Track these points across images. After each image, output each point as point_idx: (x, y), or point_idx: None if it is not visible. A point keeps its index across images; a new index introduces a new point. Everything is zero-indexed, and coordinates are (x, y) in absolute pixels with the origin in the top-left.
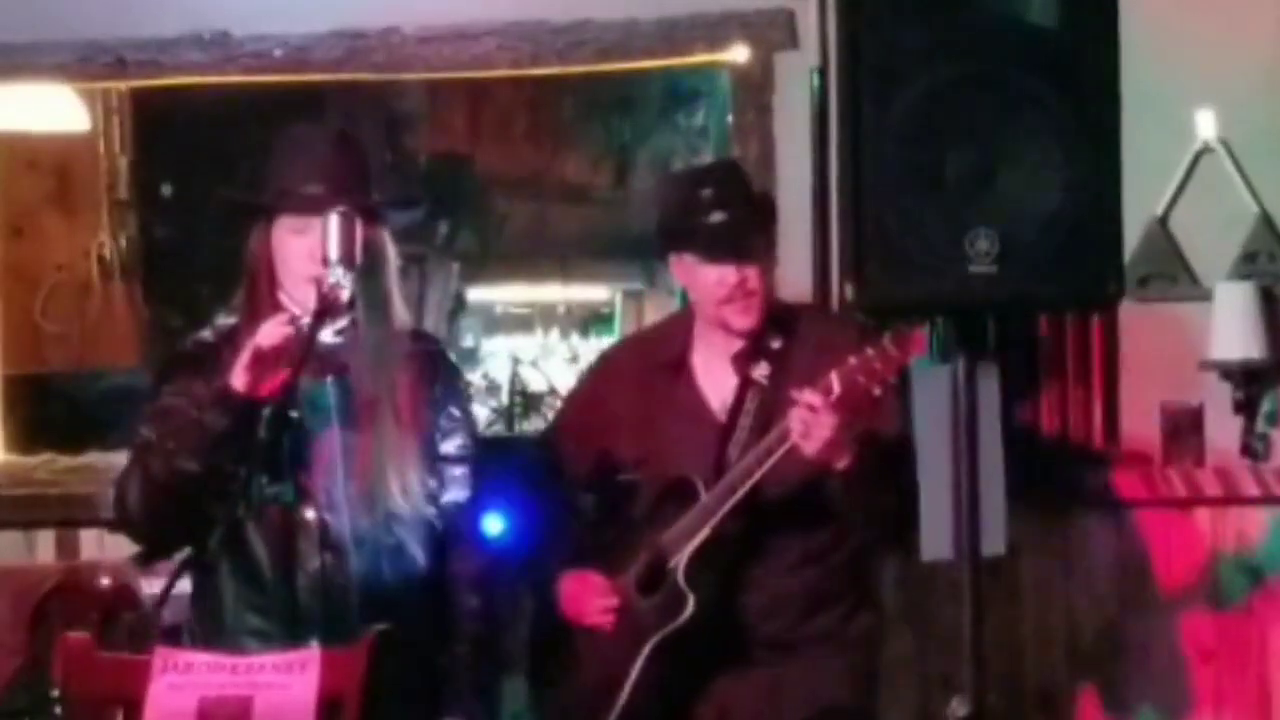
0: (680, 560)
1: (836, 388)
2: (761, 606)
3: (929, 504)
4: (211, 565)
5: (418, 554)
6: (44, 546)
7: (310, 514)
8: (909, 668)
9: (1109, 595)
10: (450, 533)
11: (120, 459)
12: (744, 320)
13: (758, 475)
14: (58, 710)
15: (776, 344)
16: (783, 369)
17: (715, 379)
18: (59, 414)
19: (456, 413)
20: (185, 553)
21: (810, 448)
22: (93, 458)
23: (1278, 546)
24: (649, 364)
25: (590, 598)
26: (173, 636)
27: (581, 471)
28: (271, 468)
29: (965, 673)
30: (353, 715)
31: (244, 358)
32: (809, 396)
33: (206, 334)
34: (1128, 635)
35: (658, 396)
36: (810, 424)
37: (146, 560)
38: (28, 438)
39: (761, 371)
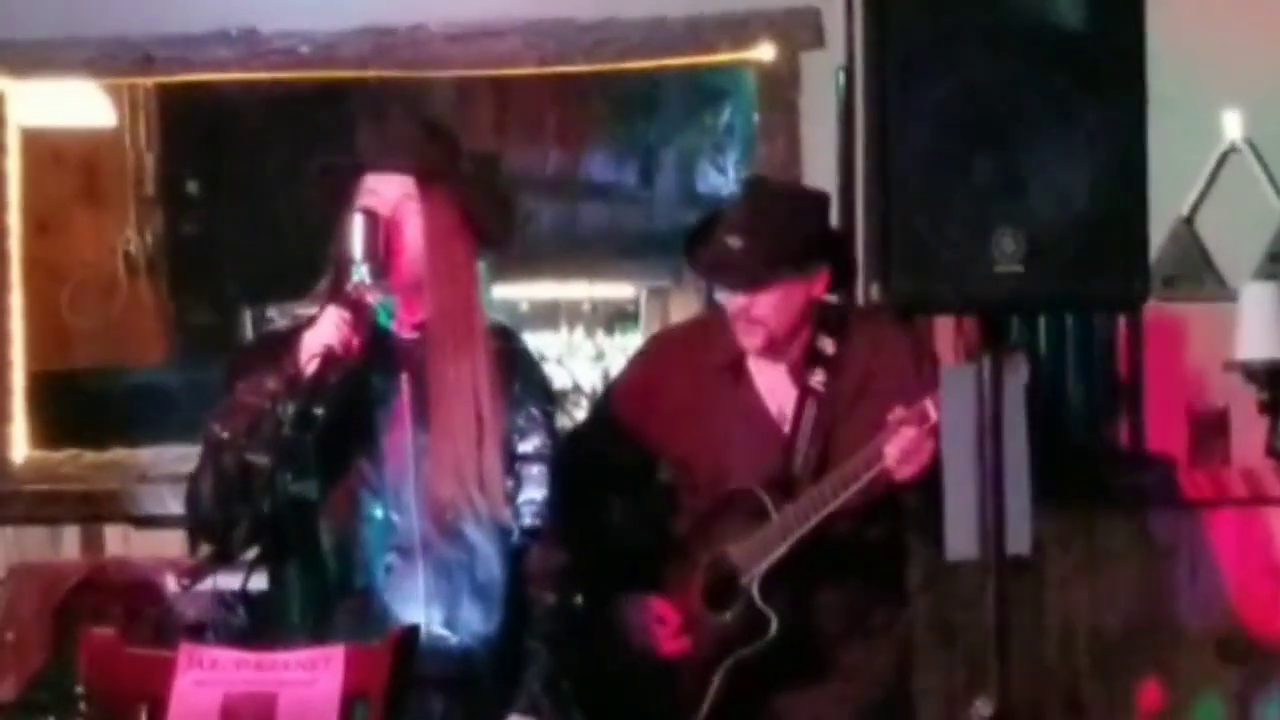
0: (754, 577)
1: (933, 414)
2: (823, 611)
3: (954, 503)
4: (280, 564)
5: (491, 557)
6: (69, 542)
7: (379, 513)
8: (933, 667)
9: (1134, 596)
10: (527, 530)
11: (146, 455)
12: (747, 341)
13: (844, 498)
14: (82, 706)
15: (830, 349)
16: (837, 375)
17: (771, 383)
18: (85, 410)
19: (536, 411)
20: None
21: (907, 472)
22: (118, 454)
23: None
24: (704, 361)
25: (661, 627)
26: (197, 633)
27: (623, 463)
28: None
29: (989, 672)
30: (378, 712)
31: (315, 350)
32: (909, 426)
33: (281, 325)
34: (1153, 636)
35: (714, 395)
36: (909, 450)
37: (218, 560)
38: (53, 433)
39: (818, 379)
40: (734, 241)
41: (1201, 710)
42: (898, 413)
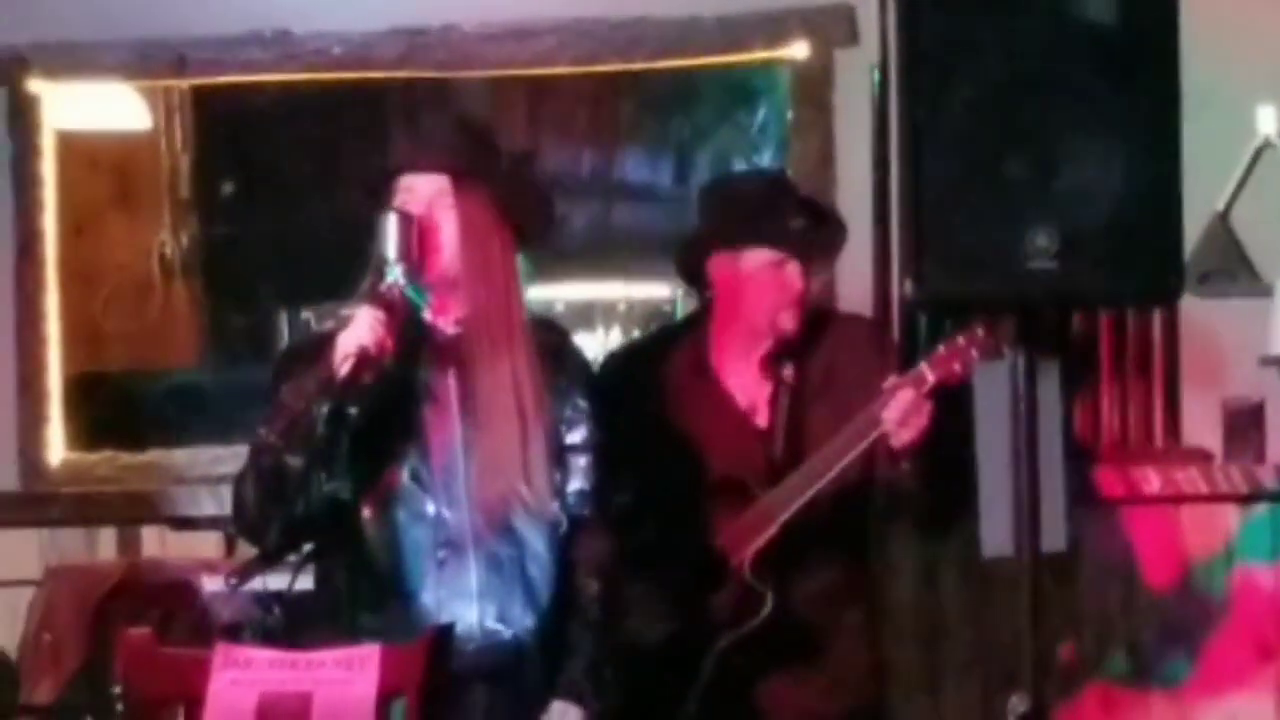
0: (745, 558)
1: (931, 377)
2: (803, 601)
3: (989, 500)
4: (328, 563)
5: (540, 550)
6: (105, 544)
7: (429, 509)
8: (969, 665)
9: (1170, 591)
10: (573, 519)
11: (181, 457)
12: (793, 324)
13: (841, 465)
14: (119, 707)
15: (796, 344)
16: (804, 367)
17: (740, 380)
18: (120, 412)
19: (582, 403)
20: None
21: (907, 436)
22: (154, 455)
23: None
24: (673, 365)
25: None
26: (233, 633)
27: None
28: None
29: (1025, 670)
30: (415, 710)
31: (349, 350)
32: (906, 389)
33: (327, 326)
34: (1189, 632)
35: (685, 398)
36: (909, 413)
37: (265, 563)
38: (89, 436)
39: (789, 371)
40: (798, 223)
41: None
42: (893, 379)
